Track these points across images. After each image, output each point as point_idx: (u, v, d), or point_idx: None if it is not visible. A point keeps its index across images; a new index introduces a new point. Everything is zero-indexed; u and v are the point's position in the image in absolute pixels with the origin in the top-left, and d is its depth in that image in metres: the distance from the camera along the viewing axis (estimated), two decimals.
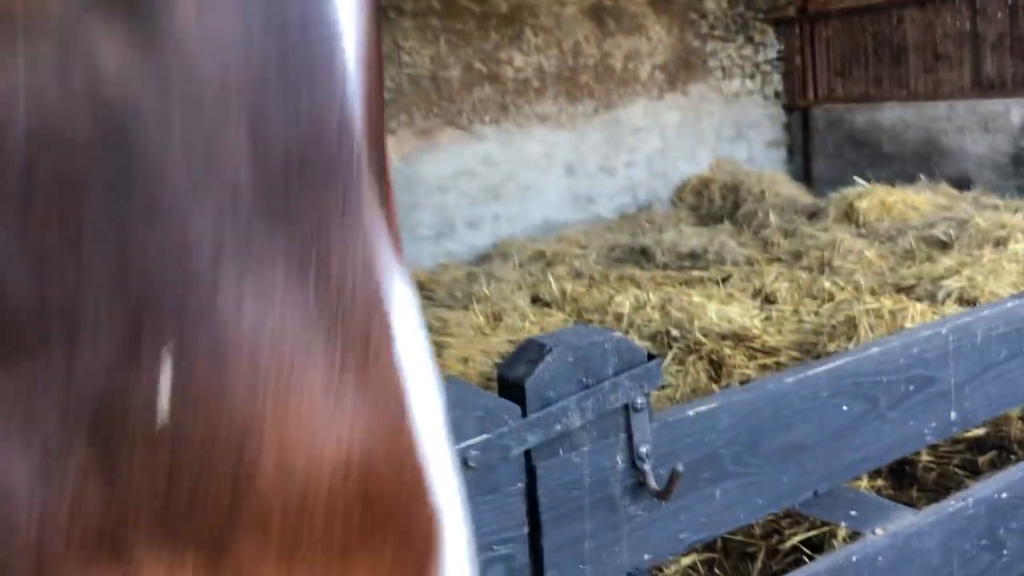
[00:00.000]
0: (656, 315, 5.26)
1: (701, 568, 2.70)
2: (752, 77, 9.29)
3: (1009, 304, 1.71)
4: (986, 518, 1.70)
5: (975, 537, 1.67)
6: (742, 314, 5.04)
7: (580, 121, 8.34)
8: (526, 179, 8.14)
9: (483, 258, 7.54)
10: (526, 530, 1.13)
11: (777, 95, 9.39)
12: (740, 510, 1.34)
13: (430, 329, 5.51)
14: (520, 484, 1.12)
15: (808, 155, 9.03)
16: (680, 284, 5.96)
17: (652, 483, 1.20)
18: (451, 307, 5.94)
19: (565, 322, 5.45)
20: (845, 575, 1.48)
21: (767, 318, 4.98)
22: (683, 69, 8.86)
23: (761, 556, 2.84)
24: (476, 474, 1.07)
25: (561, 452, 1.15)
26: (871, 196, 6.86)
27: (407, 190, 7.50)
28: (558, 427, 1.12)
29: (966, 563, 1.66)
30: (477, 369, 4.77)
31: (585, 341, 1.15)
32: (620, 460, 1.20)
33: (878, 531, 1.55)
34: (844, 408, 1.45)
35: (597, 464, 1.18)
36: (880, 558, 1.53)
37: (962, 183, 7.50)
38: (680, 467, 1.17)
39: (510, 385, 1.13)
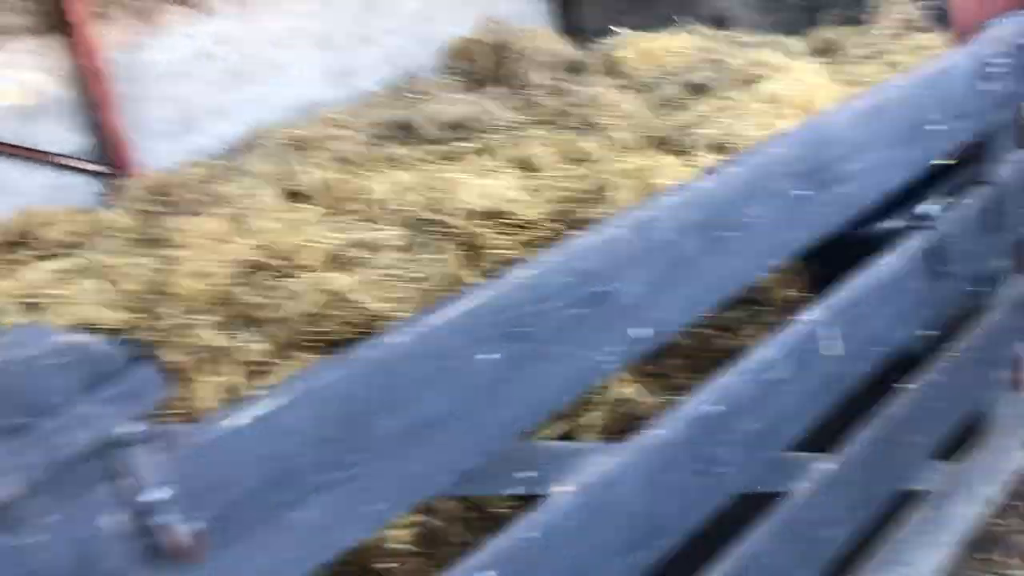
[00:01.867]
0: (415, 198, 4.86)
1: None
2: None
3: (701, 185, 1.41)
4: (698, 437, 1.46)
5: (684, 463, 1.43)
6: (503, 187, 4.73)
7: None
8: (274, 57, 7.36)
9: (230, 153, 6.82)
10: None
11: None
12: (347, 527, 1.00)
13: (160, 243, 4.89)
14: None
15: (572, 6, 8.69)
16: (442, 160, 5.56)
17: (179, 539, 0.82)
18: (194, 213, 5.29)
19: (319, 218, 4.97)
20: (520, 561, 1.18)
21: (528, 189, 4.69)
22: None
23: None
24: None
25: None
26: (632, 45, 6.63)
27: (132, 81, 6.59)
28: None
29: (676, 497, 1.41)
30: (215, 284, 4.23)
31: (8, 358, 0.72)
32: (122, 520, 0.80)
33: (559, 489, 1.26)
34: (484, 357, 1.11)
35: (74, 538, 0.78)
36: (565, 522, 1.24)
37: (721, 22, 7.41)
38: (201, 525, 0.79)
39: None
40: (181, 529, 0.82)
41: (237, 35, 7.10)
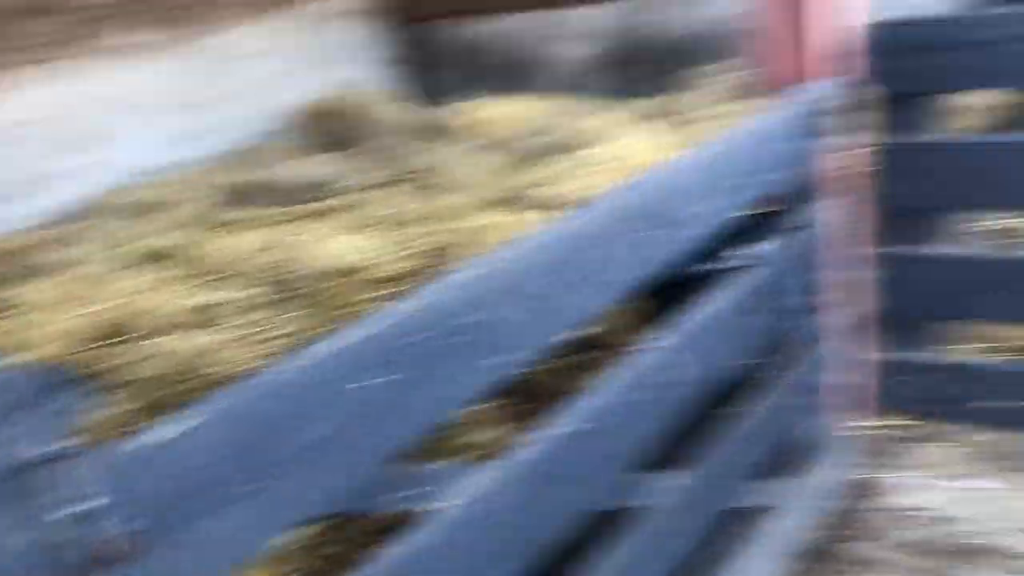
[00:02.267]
0: (264, 260, 4.87)
1: None
2: None
3: (552, 229, 1.59)
4: (559, 455, 1.61)
5: (548, 480, 1.58)
6: (352, 248, 4.83)
7: (172, 51, 7.52)
8: (116, 121, 7.20)
9: (72, 218, 6.60)
10: None
11: (388, 11, 9.16)
12: (256, 535, 1.08)
13: None
14: None
15: (423, 72, 8.96)
16: (293, 221, 5.60)
17: (112, 545, 0.89)
18: (24, 282, 5.08)
19: (168, 280, 4.89)
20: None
21: (377, 248, 4.81)
22: None
23: None
24: None
25: None
26: (477, 110, 6.92)
27: None
28: None
29: (541, 511, 1.56)
30: (64, 350, 4.09)
31: None
32: (38, 537, 0.87)
33: (435, 505, 1.38)
34: (357, 386, 1.23)
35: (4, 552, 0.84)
36: (441, 537, 1.36)
37: (574, 88, 7.84)
38: (131, 531, 0.87)
39: None
40: (114, 535, 0.89)
41: (74, 99, 6.93)
